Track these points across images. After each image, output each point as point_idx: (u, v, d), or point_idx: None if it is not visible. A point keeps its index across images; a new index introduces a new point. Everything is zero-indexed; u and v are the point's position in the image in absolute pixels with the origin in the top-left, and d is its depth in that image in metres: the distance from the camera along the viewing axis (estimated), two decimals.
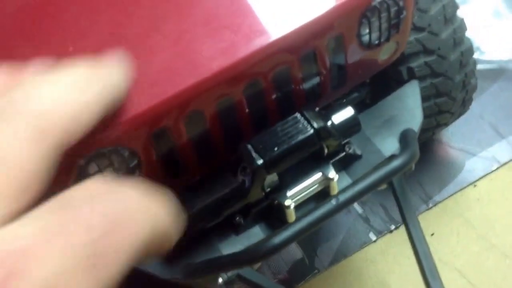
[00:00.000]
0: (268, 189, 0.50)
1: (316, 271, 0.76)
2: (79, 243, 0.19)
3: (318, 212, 0.47)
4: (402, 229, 0.79)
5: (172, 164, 0.48)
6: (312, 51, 0.49)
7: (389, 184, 0.55)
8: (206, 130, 0.47)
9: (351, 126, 0.51)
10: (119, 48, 0.45)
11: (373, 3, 0.49)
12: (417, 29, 0.61)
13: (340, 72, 0.53)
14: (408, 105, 0.57)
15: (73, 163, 0.42)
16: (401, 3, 0.50)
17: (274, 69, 0.47)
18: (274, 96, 0.49)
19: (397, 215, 0.80)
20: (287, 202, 0.50)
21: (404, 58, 0.62)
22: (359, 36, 0.51)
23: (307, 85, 0.51)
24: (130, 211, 0.21)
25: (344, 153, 0.53)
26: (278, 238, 0.45)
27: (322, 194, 0.52)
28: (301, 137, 0.47)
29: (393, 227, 0.79)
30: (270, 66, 0.47)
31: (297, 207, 0.51)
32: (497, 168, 0.83)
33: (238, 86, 0.46)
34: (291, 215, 0.50)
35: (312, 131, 0.48)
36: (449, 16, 0.63)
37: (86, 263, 0.19)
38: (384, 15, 0.50)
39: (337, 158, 0.52)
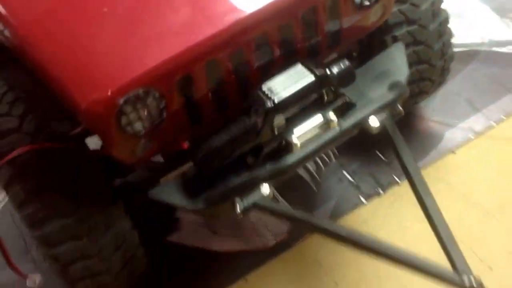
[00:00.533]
0: (277, 131, 0.58)
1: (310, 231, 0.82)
2: None
3: (324, 137, 0.54)
4: (390, 192, 0.87)
5: (194, 110, 0.56)
6: (312, 8, 0.56)
7: (390, 141, 0.62)
8: (222, 79, 0.55)
9: (347, 76, 0.58)
10: (147, 7, 0.54)
11: None
12: (400, 1, 0.70)
13: (335, 31, 0.61)
14: (396, 62, 0.64)
15: (114, 101, 0.49)
16: None
17: (280, 25, 0.55)
18: (279, 49, 0.57)
19: (385, 181, 0.87)
20: (294, 140, 0.57)
21: (388, 28, 0.70)
22: None
23: (307, 40, 0.59)
24: None
25: (341, 101, 0.60)
26: (292, 158, 0.52)
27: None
28: (305, 82, 0.55)
29: (381, 191, 0.86)
30: (277, 22, 0.55)
31: (302, 146, 0.58)
32: (474, 138, 0.91)
33: (248, 38, 0.54)
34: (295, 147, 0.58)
35: (314, 77, 0.55)
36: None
37: None
38: None
39: (335, 105, 0.59)
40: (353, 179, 0.88)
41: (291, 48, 0.57)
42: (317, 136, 0.56)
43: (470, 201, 0.86)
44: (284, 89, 0.55)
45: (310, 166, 0.90)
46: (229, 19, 0.53)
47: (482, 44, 1.03)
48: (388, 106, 0.58)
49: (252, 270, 0.80)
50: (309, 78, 0.56)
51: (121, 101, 0.50)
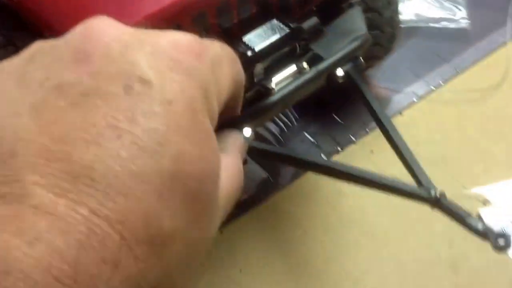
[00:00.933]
0: (256, 80, 0.64)
1: (279, 185, 0.90)
2: (224, 49, 0.25)
3: (297, 81, 0.61)
4: (347, 150, 0.95)
5: None
6: None
7: (360, 96, 0.69)
8: (208, 31, 0.61)
9: (316, 31, 0.66)
10: None
11: None
12: None
13: None
14: (355, 22, 0.73)
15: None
16: None
17: None
18: (257, 5, 0.64)
19: (342, 140, 0.96)
20: (272, 86, 0.64)
21: None
22: None
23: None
24: (225, 53, 0.26)
25: (311, 53, 0.68)
26: (270, 100, 0.59)
27: None
28: (280, 34, 0.62)
29: (339, 148, 0.95)
30: None
31: (278, 91, 0.65)
32: (417, 101, 1.02)
33: None
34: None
35: (288, 29, 0.62)
36: None
37: (230, 59, 0.25)
38: None
39: (306, 57, 0.67)
40: (314, 139, 0.96)
41: (267, 5, 0.64)
42: (291, 82, 0.63)
43: (419, 154, 0.97)
44: (262, 40, 0.62)
45: (274, 129, 0.97)
46: None
47: (419, 21, 1.15)
48: (352, 54, 0.65)
49: (226, 224, 0.86)
50: (284, 30, 0.63)
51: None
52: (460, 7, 1.18)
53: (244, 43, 0.61)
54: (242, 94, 0.28)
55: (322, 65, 0.63)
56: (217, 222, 0.23)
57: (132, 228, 0.18)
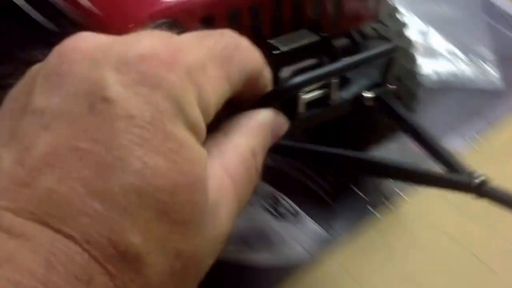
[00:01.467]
0: (281, 84, 0.62)
1: (335, 240, 0.93)
2: (215, 47, 0.24)
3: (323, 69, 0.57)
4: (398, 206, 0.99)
5: None
6: None
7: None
8: (239, 29, 0.63)
9: (346, 49, 0.66)
10: None
11: None
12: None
13: (337, 12, 0.70)
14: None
15: (144, 25, 0.55)
16: None
17: None
18: (291, 14, 0.65)
19: (395, 197, 1.00)
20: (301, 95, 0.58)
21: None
22: None
23: (314, 12, 0.67)
24: (244, 45, 0.26)
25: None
26: (297, 79, 0.51)
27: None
28: (310, 39, 0.63)
29: (391, 206, 0.99)
30: None
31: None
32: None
33: None
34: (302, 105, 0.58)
35: (318, 37, 0.64)
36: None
37: (219, 60, 0.24)
38: None
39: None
40: (365, 195, 1.00)
41: (299, 14, 0.66)
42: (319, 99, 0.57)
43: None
44: (291, 43, 0.62)
45: (323, 182, 1.01)
46: None
47: (451, 79, 1.21)
48: (382, 80, 0.59)
49: (282, 282, 0.86)
50: (314, 37, 0.63)
51: (151, 26, 0.55)
52: (490, 64, 1.24)
53: (272, 44, 0.61)
54: (263, 79, 0.27)
55: (346, 92, 0.59)
56: (215, 230, 0.23)
57: (99, 246, 0.19)
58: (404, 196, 1.00)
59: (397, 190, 1.00)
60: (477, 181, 0.44)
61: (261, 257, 0.89)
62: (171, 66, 0.22)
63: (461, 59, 1.24)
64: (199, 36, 0.24)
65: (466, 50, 1.26)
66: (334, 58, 0.64)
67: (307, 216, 0.96)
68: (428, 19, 1.30)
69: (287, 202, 0.97)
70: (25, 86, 0.22)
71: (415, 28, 1.28)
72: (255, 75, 0.26)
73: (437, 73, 1.21)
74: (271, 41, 0.60)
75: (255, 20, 0.63)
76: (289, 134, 0.45)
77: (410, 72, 0.88)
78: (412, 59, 0.88)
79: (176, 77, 0.22)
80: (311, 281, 0.87)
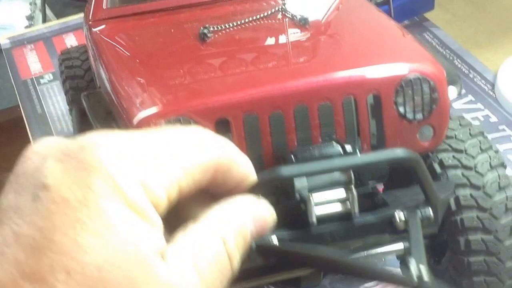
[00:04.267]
0: (298, 195, 0.53)
1: None
2: (170, 139, 0.27)
3: (319, 163, 0.51)
4: None
5: None
6: (352, 98, 0.58)
7: None
8: (259, 136, 0.56)
9: (378, 168, 0.58)
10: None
11: (408, 77, 0.59)
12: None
13: (378, 133, 0.61)
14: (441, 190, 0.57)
15: (156, 123, 0.53)
16: (431, 83, 0.60)
17: (321, 101, 0.57)
18: (317, 126, 0.58)
19: None
20: (312, 204, 0.52)
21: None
22: (395, 103, 0.60)
23: (346, 124, 0.59)
24: (207, 137, 0.28)
25: (369, 189, 0.58)
26: (284, 169, 0.43)
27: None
28: (333, 152, 0.56)
29: None
30: (319, 97, 0.57)
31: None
32: None
33: (290, 105, 0.57)
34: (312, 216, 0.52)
35: (342, 152, 0.55)
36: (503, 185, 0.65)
37: (171, 150, 0.26)
38: (417, 88, 0.60)
39: (363, 190, 0.55)
40: None
41: (328, 129, 0.60)
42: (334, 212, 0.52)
43: None
44: (311, 159, 0.56)
45: None
46: (282, 82, 0.58)
47: None
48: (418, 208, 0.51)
49: None
50: (338, 151, 0.56)
51: (163, 122, 0.54)
52: None
53: (292, 157, 0.56)
54: (236, 171, 0.28)
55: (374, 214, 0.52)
56: None
57: None
58: None
59: None
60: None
61: None
62: (109, 151, 0.24)
63: None
64: (160, 129, 0.28)
65: None
66: (362, 179, 0.58)
67: None
68: None
69: None
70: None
71: None
72: (223, 166, 0.28)
73: None
74: (294, 154, 0.56)
75: (276, 128, 0.58)
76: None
77: None
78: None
79: (114, 160, 0.24)
80: None
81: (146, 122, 0.56)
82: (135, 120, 0.56)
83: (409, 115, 0.61)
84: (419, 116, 0.62)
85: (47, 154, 0.24)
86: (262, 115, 0.57)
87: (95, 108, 0.68)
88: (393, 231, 0.53)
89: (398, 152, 0.48)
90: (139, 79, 0.63)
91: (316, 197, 0.52)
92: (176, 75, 0.63)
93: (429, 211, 0.50)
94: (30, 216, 0.22)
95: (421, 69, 0.61)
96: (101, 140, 0.24)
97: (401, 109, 0.61)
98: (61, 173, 0.23)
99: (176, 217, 0.26)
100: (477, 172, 0.65)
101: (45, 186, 0.22)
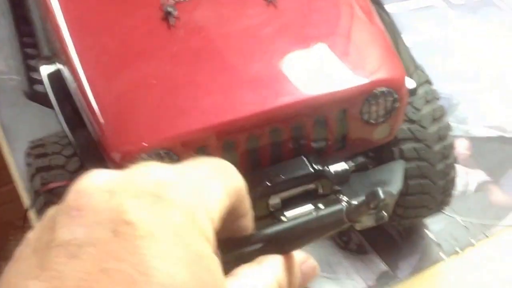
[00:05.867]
0: (271, 209, 0.66)
1: (398, 279, 0.96)
2: (214, 166, 0.28)
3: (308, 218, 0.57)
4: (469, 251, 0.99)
5: None
6: (324, 116, 0.67)
7: None
8: (234, 158, 0.62)
9: (342, 176, 0.68)
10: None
11: (375, 91, 0.68)
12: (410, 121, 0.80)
13: (343, 139, 0.71)
14: (393, 175, 0.73)
15: (137, 155, 0.58)
16: (395, 94, 0.70)
17: (294, 123, 0.65)
18: (289, 143, 0.67)
19: (463, 240, 1.00)
20: (284, 219, 0.65)
21: (397, 142, 0.79)
22: (361, 113, 0.69)
23: (315, 141, 0.68)
24: (232, 167, 0.29)
25: (334, 197, 0.68)
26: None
27: None
28: (302, 172, 0.66)
29: (458, 249, 0.99)
30: (292, 120, 0.64)
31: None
32: None
33: (265, 128, 0.63)
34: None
35: (311, 170, 0.66)
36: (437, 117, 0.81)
37: (218, 175, 0.28)
38: (381, 100, 0.69)
39: (328, 198, 0.68)
40: (434, 237, 1.02)
41: (299, 143, 0.68)
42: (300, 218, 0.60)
43: None
44: (283, 174, 0.65)
45: (394, 222, 1.03)
46: (257, 107, 0.63)
47: None
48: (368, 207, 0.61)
49: None
50: (307, 169, 0.66)
51: (144, 156, 0.59)
52: None
53: (265, 173, 0.65)
54: (246, 201, 0.30)
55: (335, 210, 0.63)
56: None
57: None
58: (474, 241, 1.00)
59: (467, 236, 1.00)
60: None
61: (320, 285, 0.95)
62: (179, 186, 0.25)
63: None
64: (197, 160, 0.28)
65: None
66: (328, 187, 0.67)
67: (374, 253, 1.00)
68: None
69: (357, 238, 1.02)
70: (45, 227, 0.24)
71: None
72: (241, 197, 0.29)
73: None
74: (266, 171, 0.63)
75: (252, 149, 0.64)
76: None
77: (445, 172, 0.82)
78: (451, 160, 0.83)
79: (187, 194, 0.25)
80: None
81: (127, 156, 0.58)
82: (116, 155, 0.59)
83: (372, 121, 0.72)
84: (380, 120, 0.72)
85: (116, 189, 0.24)
86: (240, 140, 0.63)
87: None
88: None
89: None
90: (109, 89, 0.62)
91: (287, 215, 0.64)
92: (147, 91, 0.63)
93: (383, 213, 0.62)
94: (115, 251, 0.22)
95: (387, 83, 0.68)
96: (167, 175, 0.25)
97: (366, 117, 0.72)
98: (140, 209, 0.23)
99: None
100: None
101: (127, 222, 0.23)
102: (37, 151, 0.69)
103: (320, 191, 0.68)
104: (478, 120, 1.20)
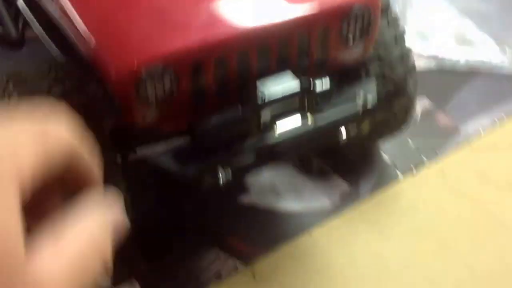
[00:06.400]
0: (262, 126, 0.72)
1: (361, 196, 1.04)
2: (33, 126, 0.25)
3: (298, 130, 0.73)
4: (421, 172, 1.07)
5: (200, 94, 0.68)
6: (307, 35, 0.73)
7: None
8: (227, 74, 0.68)
9: (327, 92, 0.74)
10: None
11: (353, 10, 0.74)
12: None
13: (323, 53, 0.77)
14: (368, 90, 0.81)
15: (137, 75, 0.61)
16: (371, 13, 0.76)
17: (281, 41, 0.71)
18: (276, 57, 0.73)
19: (416, 159, 1.08)
20: (276, 133, 0.73)
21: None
22: (341, 33, 0.76)
23: (299, 57, 0.74)
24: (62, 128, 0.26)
25: (318, 105, 0.75)
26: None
27: None
28: (292, 85, 0.71)
29: (413, 166, 1.08)
30: (279, 38, 0.71)
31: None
32: (484, 132, 1.14)
33: (256, 43, 0.69)
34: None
35: (300, 82, 0.72)
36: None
37: (36, 135, 0.25)
38: (359, 19, 0.76)
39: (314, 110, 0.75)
40: (391, 158, 1.10)
41: (285, 59, 0.74)
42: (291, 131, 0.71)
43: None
44: (274, 89, 0.70)
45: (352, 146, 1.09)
46: (245, 25, 0.69)
47: (479, 65, 1.28)
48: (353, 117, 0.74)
49: (315, 227, 0.97)
50: (295, 84, 0.72)
51: (143, 73, 0.62)
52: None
53: (257, 89, 0.69)
54: (84, 166, 0.27)
55: (322, 120, 0.71)
56: None
57: None
58: (426, 160, 1.09)
59: (421, 155, 1.09)
60: None
61: (290, 205, 1.00)
62: None
63: (492, 49, 1.30)
64: (23, 111, 0.26)
65: (498, 41, 1.32)
66: (314, 102, 0.74)
67: (336, 174, 1.07)
68: (466, 12, 1.37)
69: (319, 162, 1.08)
70: None
71: (454, 20, 1.37)
72: (75, 157, 0.27)
73: (466, 59, 1.28)
74: (258, 86, 0.68)
75: (243, 65, 0.69)
76: None
77: (404, 86, 0.91)
78: (408, 69, 0.91)
79: None
80: (333, 226, 0.98)
81: (128, 74, 0.61)
82: (114, 74, 0.61)
83: (350, 40, 0.76)
84: (357, 38, 0.78)
85: None
86: (230, 55, 0.67)
87: None
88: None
89: None
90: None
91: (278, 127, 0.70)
92: (140, 20, 0.66)
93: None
94: None
95: (364, 1, 0.75)
96: None
97: (344, 35, 0.76)
98: None
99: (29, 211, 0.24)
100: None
101: None
102: None
103: (307, 103, 0.73)
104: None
